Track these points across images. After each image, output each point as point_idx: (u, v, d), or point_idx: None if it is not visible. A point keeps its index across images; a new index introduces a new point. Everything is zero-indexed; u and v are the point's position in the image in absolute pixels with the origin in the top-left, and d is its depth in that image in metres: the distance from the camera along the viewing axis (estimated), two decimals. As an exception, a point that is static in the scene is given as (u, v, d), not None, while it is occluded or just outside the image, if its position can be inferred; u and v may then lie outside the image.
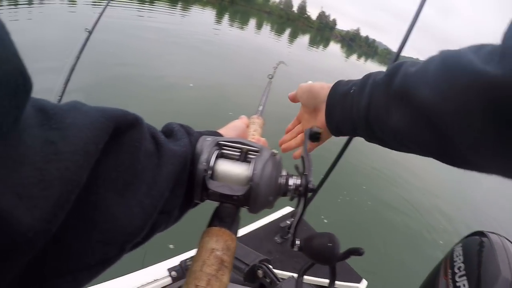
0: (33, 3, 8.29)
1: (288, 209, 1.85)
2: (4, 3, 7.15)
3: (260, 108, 0.68)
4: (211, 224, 0.32)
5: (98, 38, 1.81)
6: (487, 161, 0.28)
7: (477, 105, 0.26)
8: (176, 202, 0.31)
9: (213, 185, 0.32)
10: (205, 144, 0.34)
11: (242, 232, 1.54)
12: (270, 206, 0.34)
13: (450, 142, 0.30)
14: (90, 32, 1.71)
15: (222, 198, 0.32)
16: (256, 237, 1.47)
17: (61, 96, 1.59)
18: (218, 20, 20.89)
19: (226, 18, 24.60)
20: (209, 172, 0.32)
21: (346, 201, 3.82)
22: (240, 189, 0.32)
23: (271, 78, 0.90)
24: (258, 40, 17.98)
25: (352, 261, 1.15)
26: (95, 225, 0.22)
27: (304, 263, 0.40)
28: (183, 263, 1.07)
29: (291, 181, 0.34)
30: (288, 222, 1.69)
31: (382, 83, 0.38)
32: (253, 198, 0.32)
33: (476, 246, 0.61)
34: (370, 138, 0.43)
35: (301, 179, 0.34)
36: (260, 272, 0.82)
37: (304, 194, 0.34)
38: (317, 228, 1.70)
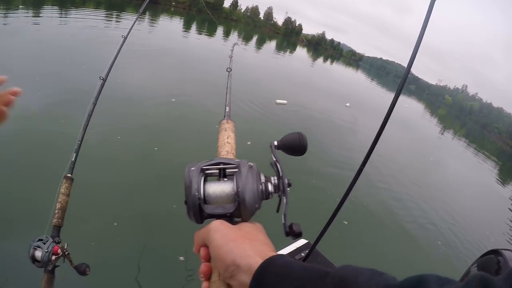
0: None
1: (302, 241, 1.84)
2: None
3: (227, 109, 0.65)
4: None
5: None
6: None
7: None
8: None
9: (208, 209, 0.38)
10: (192, 174, 0.39)
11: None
12: (256, 210, 0.40)
13: None
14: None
15: (218, 216, 0.38)
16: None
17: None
18: (186, 29, 20.86)
19: (193, 27, 24.68)
20: (202, 198, 0.38)
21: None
22: (231, 206, 0.38)
23: (230, 71, 0.85)
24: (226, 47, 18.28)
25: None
26: None
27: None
28: None
29: (270, 186, 0.40)
30: (303, 254, 1.70)
31: None
32: (243, 211, 0.38)
33: (493, 265, 0.57)
34: None
35: (277, 179, 0.41)
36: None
37: (283, 191, 0.40)
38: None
